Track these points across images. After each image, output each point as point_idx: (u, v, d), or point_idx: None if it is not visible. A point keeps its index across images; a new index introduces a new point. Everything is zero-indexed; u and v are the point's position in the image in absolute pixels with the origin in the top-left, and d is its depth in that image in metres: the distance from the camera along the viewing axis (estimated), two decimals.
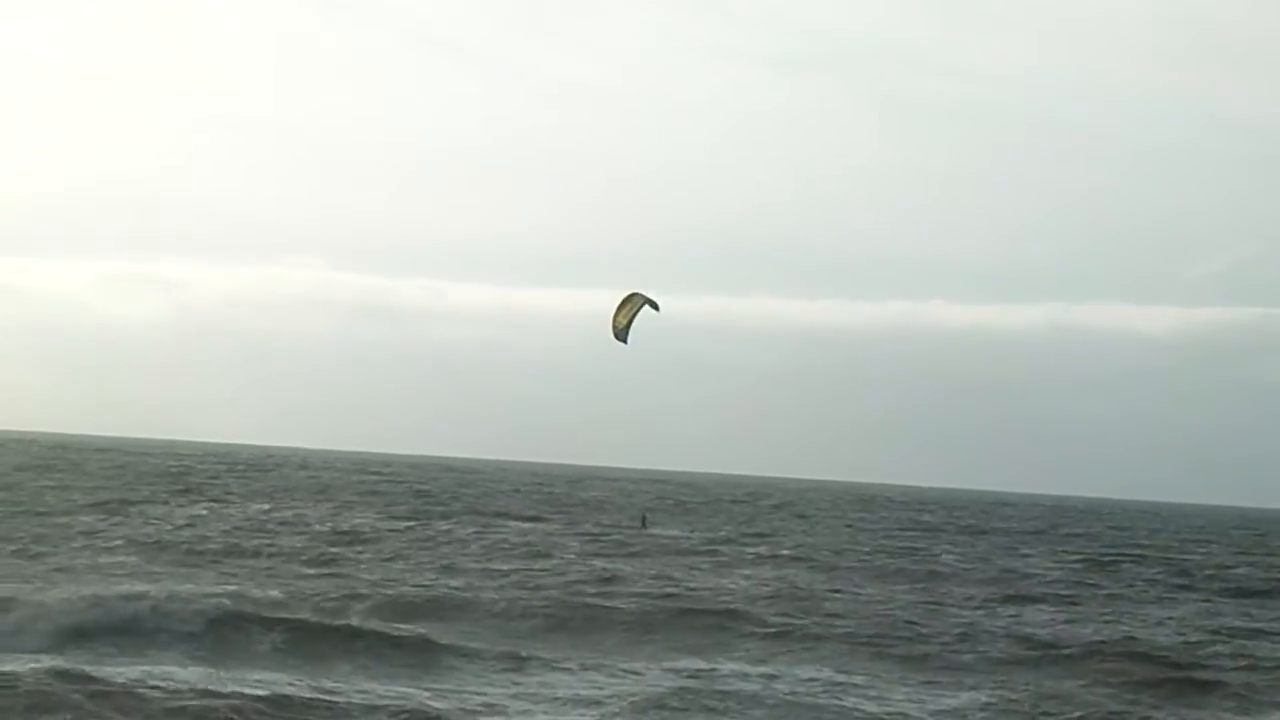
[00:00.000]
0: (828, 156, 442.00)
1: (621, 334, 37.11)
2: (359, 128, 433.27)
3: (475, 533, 61.75)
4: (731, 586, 44.44)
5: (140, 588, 33.65)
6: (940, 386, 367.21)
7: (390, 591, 38.81)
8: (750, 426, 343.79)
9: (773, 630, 35.37)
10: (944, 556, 63.52)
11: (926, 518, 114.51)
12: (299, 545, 51.13)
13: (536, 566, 48.19)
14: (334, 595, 37.28)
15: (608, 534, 64.90)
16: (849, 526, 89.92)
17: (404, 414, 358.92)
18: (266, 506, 71.45)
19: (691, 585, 44.07)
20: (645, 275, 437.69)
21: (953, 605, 42.96)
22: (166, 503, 69.61)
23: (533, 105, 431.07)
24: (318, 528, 59.57)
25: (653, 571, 47.84)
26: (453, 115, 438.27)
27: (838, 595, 43.74)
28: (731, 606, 38.67)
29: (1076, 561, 65.53)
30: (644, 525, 70.67)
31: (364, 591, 38.42)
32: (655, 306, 37.25)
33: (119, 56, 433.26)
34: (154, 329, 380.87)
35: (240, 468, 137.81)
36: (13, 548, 44.40)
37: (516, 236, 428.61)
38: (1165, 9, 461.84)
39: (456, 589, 40.31)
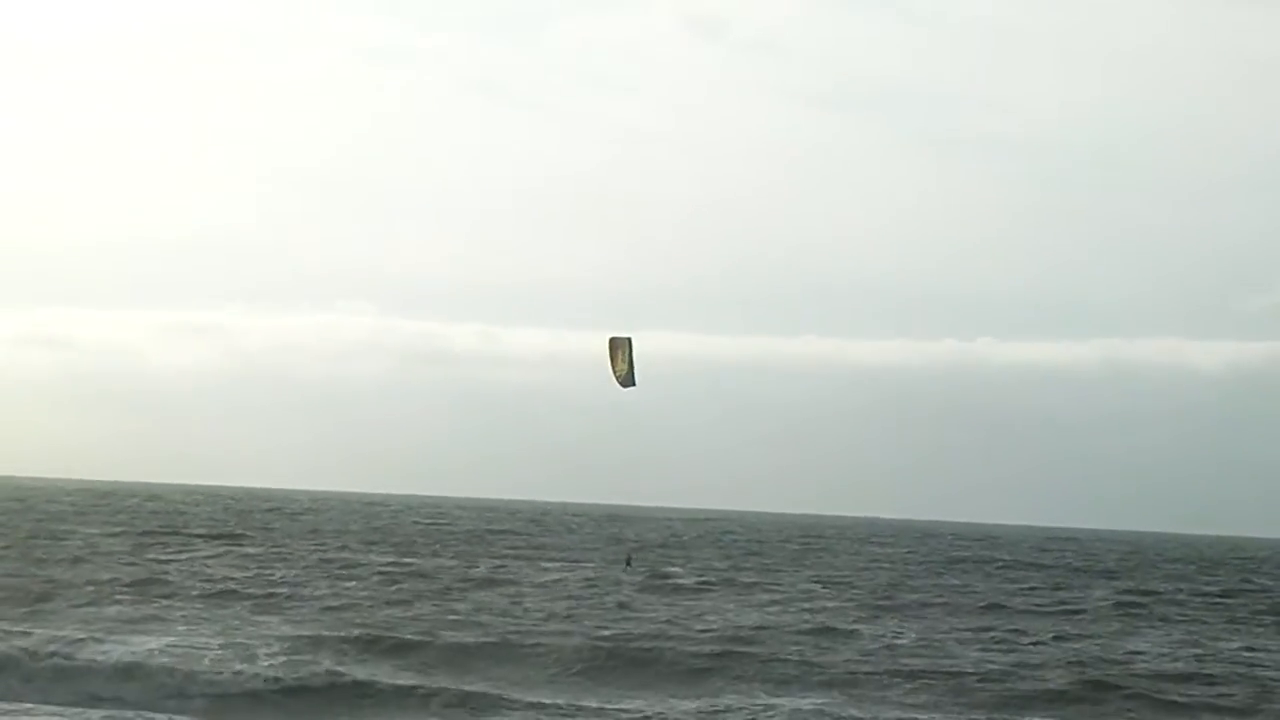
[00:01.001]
0: (876, 195, 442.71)
1: (628, 379, 38.13)
2: (412, 174, 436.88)
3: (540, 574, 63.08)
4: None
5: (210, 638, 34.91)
6: (991, 423, 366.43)
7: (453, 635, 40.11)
8: (801, 465, 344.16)
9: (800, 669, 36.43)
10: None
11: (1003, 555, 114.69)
12: (368, 591, 52.41)
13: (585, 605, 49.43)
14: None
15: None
16: (887, 562, 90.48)
17: (457, 457, 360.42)
18: (336, 548, 72.53)
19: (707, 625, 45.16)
20: (696, 316, 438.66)
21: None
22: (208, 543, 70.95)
23: (584, 149, 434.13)
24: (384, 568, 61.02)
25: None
26: (505, 161, 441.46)
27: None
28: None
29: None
30: (628, 565, 71.91)
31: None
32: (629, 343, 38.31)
33: (176, 109, 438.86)
34: (209, 377, 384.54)
35: (301, 513, 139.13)
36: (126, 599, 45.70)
37: (568, 279, 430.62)
38: (1219, 41, 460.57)
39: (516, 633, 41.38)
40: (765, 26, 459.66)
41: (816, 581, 67.06)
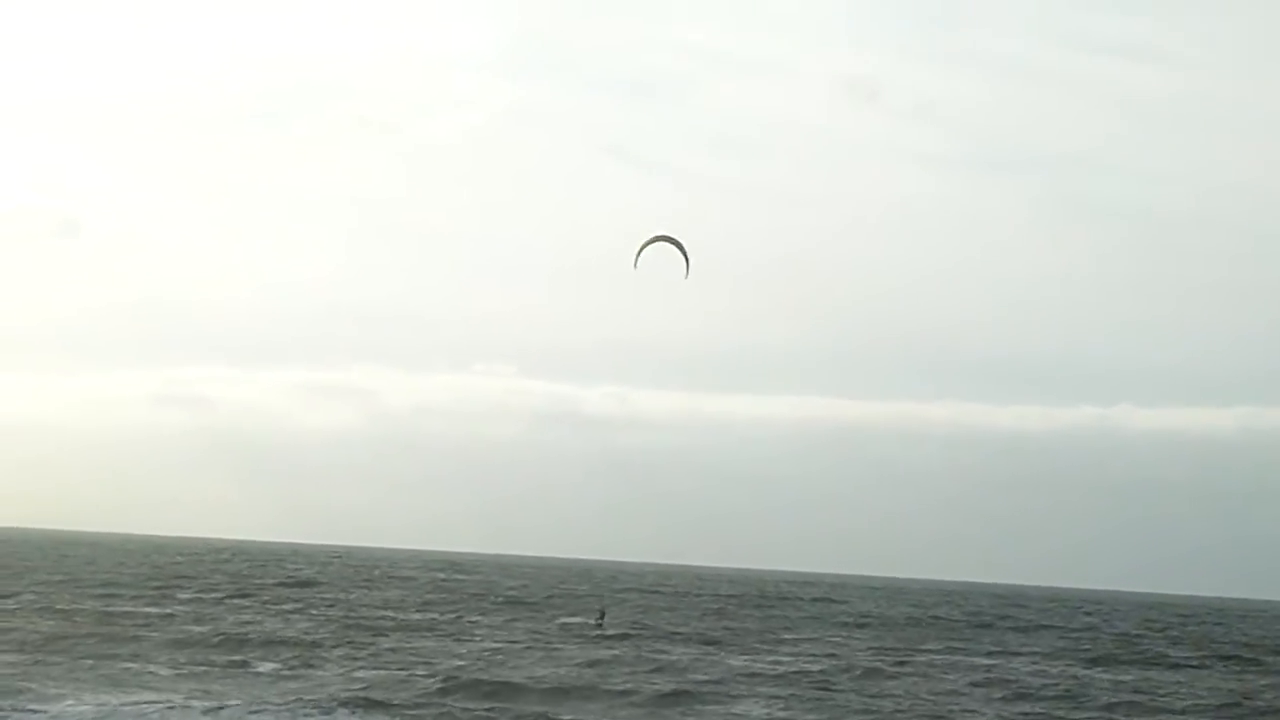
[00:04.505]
0: (1012, 261, 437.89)
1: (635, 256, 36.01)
2: (542, 235, 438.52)
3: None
4: None
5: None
6: (1129, 491, 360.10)
7: None
8: (942, 530, 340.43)
9: None
10: None
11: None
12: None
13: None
14: None
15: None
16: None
17: (589, 519, 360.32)
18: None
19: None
20: (830, 380, 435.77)
21: None
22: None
23: (713, 208, 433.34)
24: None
25: None
26: (636, 221, 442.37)
27: None
28: None
29: None
30: (601, 619, 71.64)
31: None
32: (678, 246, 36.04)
33: (317, 170, 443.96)
34: (344, 437, 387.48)
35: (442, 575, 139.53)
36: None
37: (699, 341, 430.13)
38: None
39: None
40: (920, 93, 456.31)
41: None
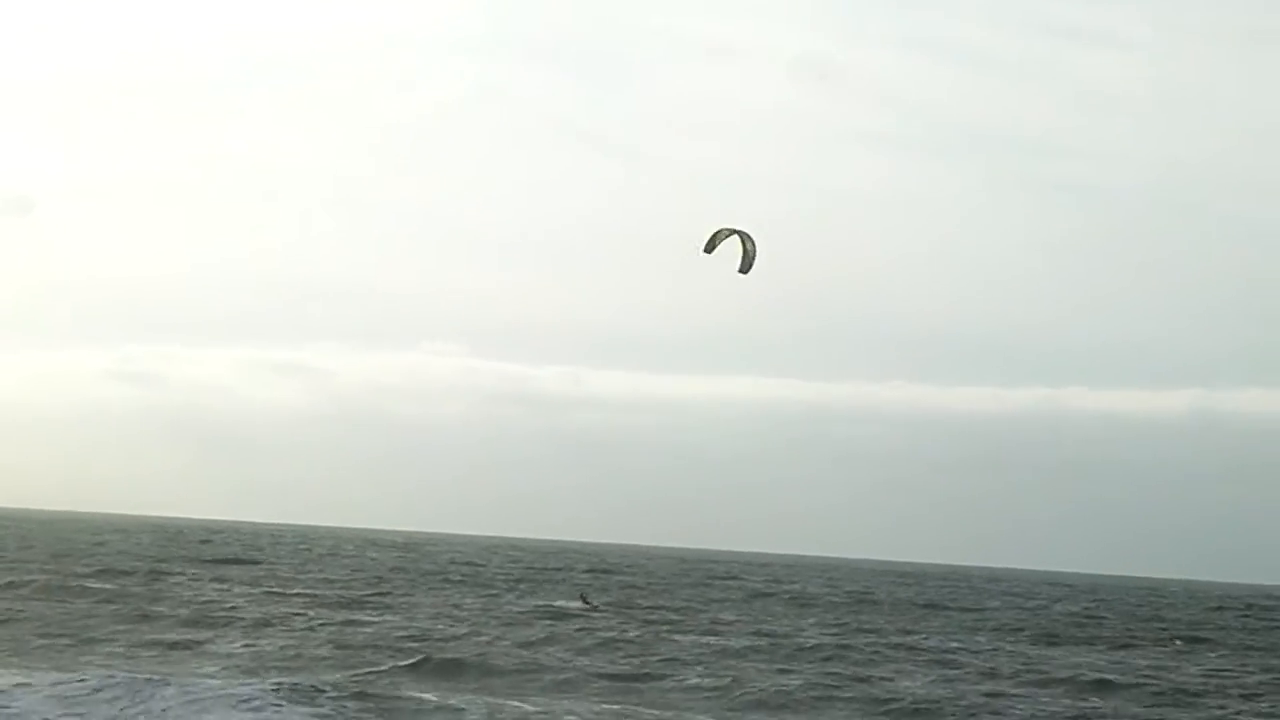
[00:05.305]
0: (965, 242, 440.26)
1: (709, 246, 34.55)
2: (500, 214, 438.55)
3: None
4: None
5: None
6: (1078, 473, 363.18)
7: None
8: (894, 511, 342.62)
9: None
10: None
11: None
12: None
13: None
14: None
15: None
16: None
17: (543, 499, 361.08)
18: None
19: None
20: (783, 361, 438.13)
21: None
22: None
23: (667, 190, 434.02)
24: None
25: None
26: (592, 202, 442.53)
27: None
28: None
29: None
30: (586, 602, 72.84)
31: None
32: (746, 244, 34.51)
33: (267, 145, 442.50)
34: (297, 415, 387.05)
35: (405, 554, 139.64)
36: None
37: (651, 322, 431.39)
38: None
39: None
40: (875, 76, 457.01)
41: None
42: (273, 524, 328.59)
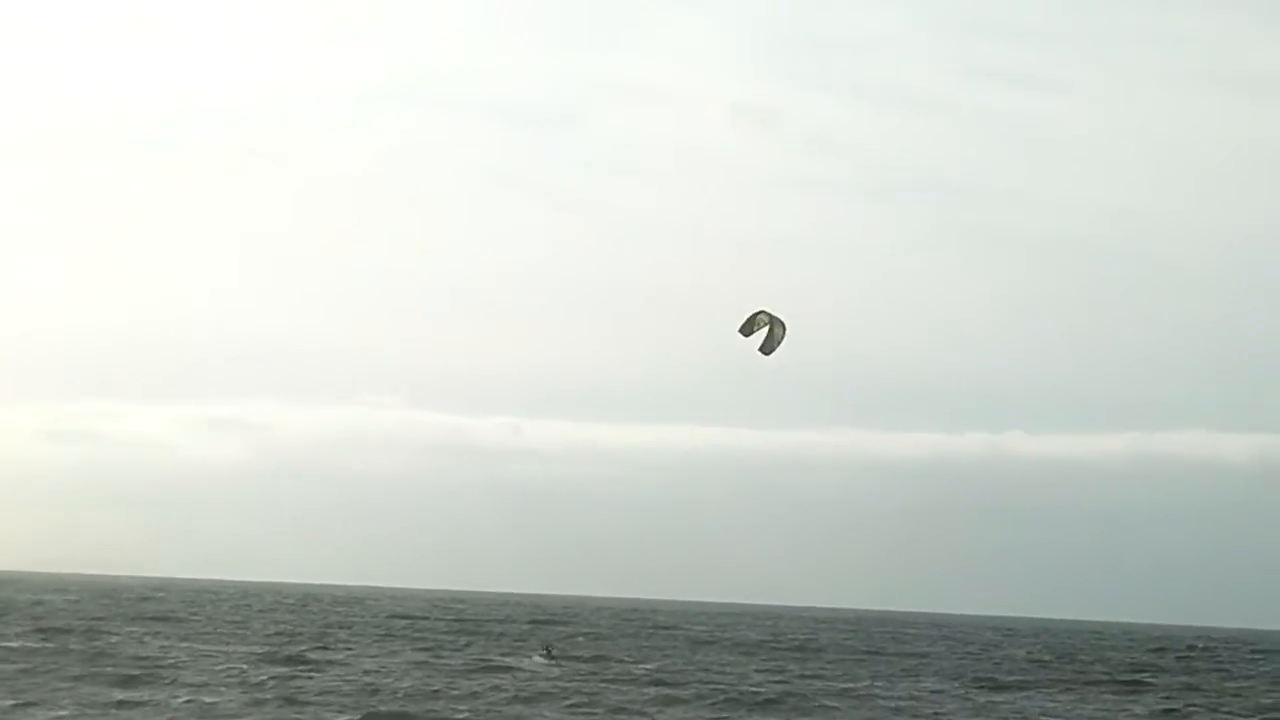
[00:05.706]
0: (907, 289, 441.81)
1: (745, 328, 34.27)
2: (437, 264, 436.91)
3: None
4: None
5: None
6: (1020, 517, 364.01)
7: None
8: (837, 559, 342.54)
9: None
10: None
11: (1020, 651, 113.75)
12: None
13: None
14: None
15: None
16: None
17: (482, 551, 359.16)
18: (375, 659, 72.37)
19: None
20: (725, 410, 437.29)
21: None
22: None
23: (606, 237, 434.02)
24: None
25: None
26: (530, 251, 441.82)
27: None
28: None
29: None
30: (549, 655, 72.74)
31: None
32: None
33: (200, 202, 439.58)
34: (233, 471, 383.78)
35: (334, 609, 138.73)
36: None
37: (591, 372, 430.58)
38: (1255, 142, 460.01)
39: None
40: (816, 122, 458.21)
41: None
42: (212, 580, 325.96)
